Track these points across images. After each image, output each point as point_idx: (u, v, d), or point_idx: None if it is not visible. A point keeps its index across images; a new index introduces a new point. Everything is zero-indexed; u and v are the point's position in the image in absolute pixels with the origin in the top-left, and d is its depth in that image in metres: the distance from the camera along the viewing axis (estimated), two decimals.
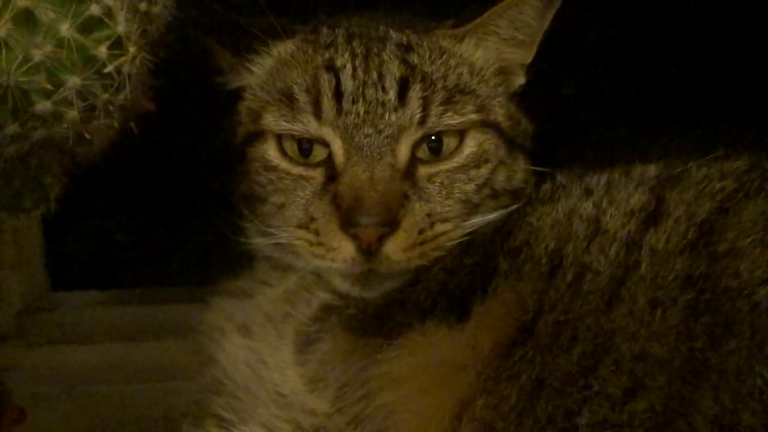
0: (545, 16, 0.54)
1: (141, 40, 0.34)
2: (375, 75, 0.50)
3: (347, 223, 0.48)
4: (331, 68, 0.51)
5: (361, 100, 0.50)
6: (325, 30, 0.54)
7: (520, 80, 0.57)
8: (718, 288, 0.38)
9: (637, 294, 0.40)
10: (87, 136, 0.38)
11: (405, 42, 0.52)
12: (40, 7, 0.30)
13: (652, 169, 0.51)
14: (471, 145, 0.52)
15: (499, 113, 0.54)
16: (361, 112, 0.50)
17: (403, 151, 0.51)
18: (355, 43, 0.52)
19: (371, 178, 0.49)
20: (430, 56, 0.52)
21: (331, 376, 0.50)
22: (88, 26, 0.32)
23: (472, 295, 0.48)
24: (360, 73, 0.50)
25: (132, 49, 0.34)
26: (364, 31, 0.54)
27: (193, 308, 0.64)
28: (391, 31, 0.54)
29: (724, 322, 0.36)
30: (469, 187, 0.52)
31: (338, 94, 0.50)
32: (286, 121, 0.51)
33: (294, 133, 0.51)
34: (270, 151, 0.52)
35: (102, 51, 0.32)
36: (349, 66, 0.51)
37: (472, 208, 0.52)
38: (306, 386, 0.50)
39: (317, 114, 0.50)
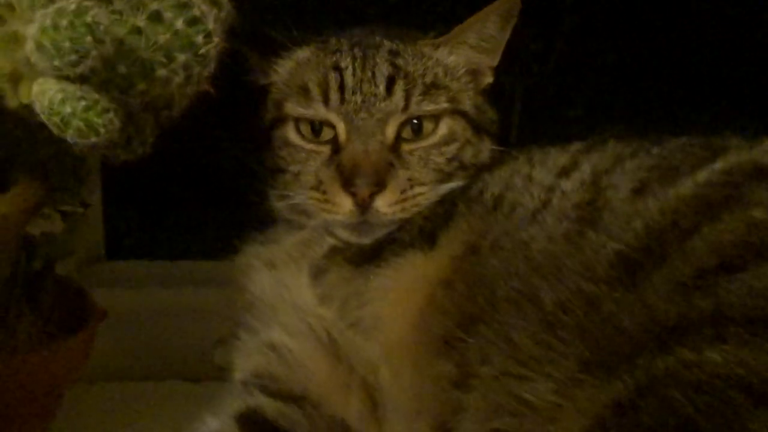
0: (505, 28, 0.69)
1: (221, 34, 0.51)
2: (369, 73, 0.65)
3: (347, 184, 0.63)
4: (337, 68, 0.66)
5: (358, 92, 0.65)
6: (333, 40, 0.70)
7: (488, 79, 0.72)
8: (596, 208, 0.53)
9: (547, 217, 0.55)
10: (178, 99, 0.55)
11: (394, 49, 0.68)
12: (164, 8, 0.47)
13: (582, 144, 0.66)
14: (443, 128, 0.67)
15: (467, 104, 0.69)
16: (359, 102, 0.65)
17: (390, 131, 0.65)
18: (356, 50, 0.68)
19: (366, 151, 0.64)
20: (413, 60, 0.68)
21: (336, 294, 0.65)
22: (192, 22, 0.49)
23: (439, 230, 0.63)
24: (358, 72, 0.66)
25: (216, 40, 0.51)
26: (363, 40, 0.69)
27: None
28: (385, 41, 0.69)
29: (593, 221, 0.52)
30: (441, 160, 0.67)
31: (342, 88, 0.65)
32: (302, 108, 0.66)
33: (308, 116, 0.66)
34: (290, 131, 0.68)
35: (200, 39, 0.49)
36: (350, 67, 0.66)
37: (444, 176, 0.67)
38: (317, 301, 0.65)
39: (326, 102, 0.65)
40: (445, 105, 0.67)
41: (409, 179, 0.65)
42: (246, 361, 0.67)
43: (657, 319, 0.39)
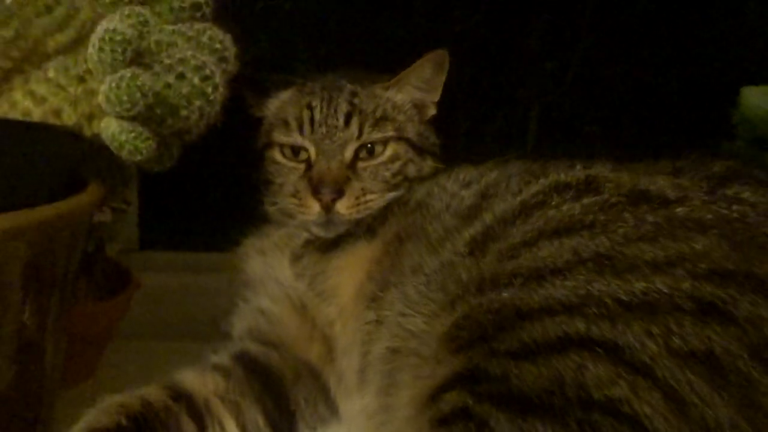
0: (439, 73, 0.87)
1: (226, 84, 0.74)
2: (333, 110, 0.83)
3: (315, 192, 0.80)
4: (309, 107, 0.84)
5: (324, 125, 0.83)
6: (308, 84, 0.88)
7: (431, 111, 0.90)
8: (478, 209, 0.69)
9: (446, 216, 0.72)
10: (195, 129, 0.77)
11: (353, 91, 0.86)
12: (186, 70, 0.70)
13: (492, 163, 0.80)
14: (390, 150, 0.84)
15: (411, 132, 0.86)
16: (324, 132, 0.83)
17: (348, 153, 0.83)
18: (324, 92, 0.86)
19: (329, 168, 0.81)
20: (367, 99, 0.85)
21: (307, 273, 0.81)
22: (204, 78, 0.70)
23: (379, 225, 0.80)
24: (324, 109, 0.84)
25: (221, 89, 0.72)
26: (331, 83, 0.87)
27: None
28: (348, 84, 0.87)
29: (470, 217, 0.69)
30: (388, 174, 0.83)
31: (312, 121, 0.83)
32: (284, 136, 0.84)
33: (288, 143, 0.84)
34: (276, 153, 0.86)
35: (210, 89, 0.69)
36: (318, 105, 0.84)
37: (390, 186, 0.83)
38: (294, 277, 0.82)
39: (301, 132, 0.83)
40: (391, 133, 0.85)
41: (363, 189, 0.82)
42: (241, 322, 0.84)
43: (482, 275, 0.56)
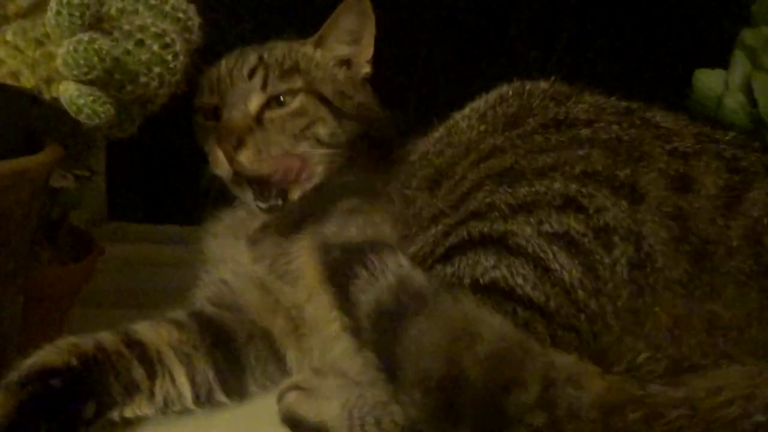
0: (364, 22, 0.83)
1: (187, 53, 0.75)
2: (240, 65, 0.84)
3: (218, 141, 0.80)
4: (218, 66, 0.85)
5: (229, 78, 0.83)
6: (237, 50, 0.88)
7: (363, 70, 0.87)
8: (442, 156, 0.75)
9: (419, 172, 0.75)
10: (155, 97, 0.78)
11: (267, 47, 0.86)
12: (145, 37, 0.71)
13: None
14: (296, 102, 0.82)
15: (327, 89, 0.83)
16: (229, 84, 0.83)
17: (253, 105, 0.82)
18: (238, 52, 0.86)
19: (230, 118, 0.81)
20: (280, 53, 0.84)
21: (267, 255, 0.80)
22: (165, 46, 0.71)
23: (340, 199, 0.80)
24: (231, 65, 0.84)
25: (181, 58, 0.72)
26: (252, 47, 0.87)
27: None
28: (268, 43, 0.86)
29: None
30: (294, 128, 0.81)
31: (218, 79, 0.84)
32: (200, 98, 0.86)
33: (204, 103, 0.85)
34: (199, 117, 0.86)
35: (170, 57, 0.71)
36: (226, 63, 0.85)
37: (298, 141, 0.81)
38: (253, 260, 0.81)
39: (211, 91, 0.84)
40: (299, 85, 0.83)
41: (266, 140, 0.80)
42: (202, 290, 0.84)
43: (437, 207, 0.67)
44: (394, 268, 0.55)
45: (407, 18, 1.18)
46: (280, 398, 0.70)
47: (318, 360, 0.75)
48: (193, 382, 0.72)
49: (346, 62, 0.87)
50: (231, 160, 0.80)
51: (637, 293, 0.54)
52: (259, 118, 0.83)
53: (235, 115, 0.82)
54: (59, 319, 0.90)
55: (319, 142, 0.84)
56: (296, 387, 0.70)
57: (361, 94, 0.88)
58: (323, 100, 0.85)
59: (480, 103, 0.77)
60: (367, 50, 0.86)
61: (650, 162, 0.60)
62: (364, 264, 0.56)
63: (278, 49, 0.87)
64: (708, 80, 0.95)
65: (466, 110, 0.79)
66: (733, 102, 0.92)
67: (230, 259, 0.84)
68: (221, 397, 0.74)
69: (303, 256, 0.80)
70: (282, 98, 0.83)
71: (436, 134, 0.81)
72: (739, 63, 0.94)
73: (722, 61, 0.99)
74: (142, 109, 0.78)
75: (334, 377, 0.70)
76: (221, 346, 0.76)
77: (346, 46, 0.86)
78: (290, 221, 0.82)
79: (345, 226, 0.77)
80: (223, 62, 0.87)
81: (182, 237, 1.15)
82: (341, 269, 0.58)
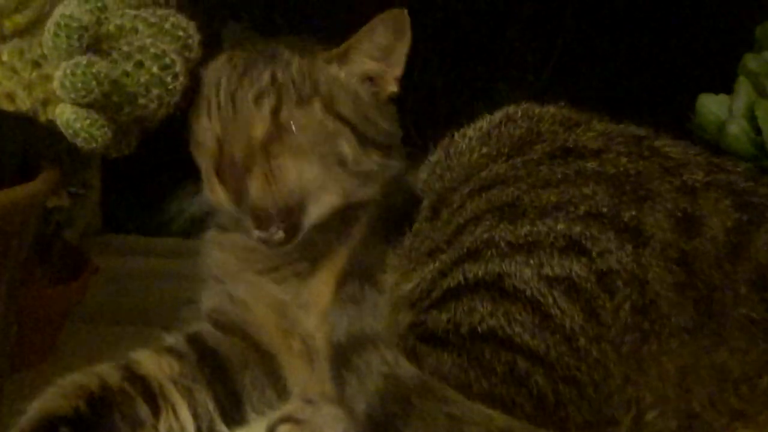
0: (399, 39, 0.73)
1: (187, 73, 0.73)
2: (246, 86, 0.72)
3: (220, 175, 0.72)
4: (218, 83, 0.74)
5: (230, 104, 0.72)
6: (237, 53, 0.77)
7: (391, 88, 0.76)
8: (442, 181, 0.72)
9: (453, 199, 0.67)
10: (153, 118, 0.76)
11: (278, 61, 0.73)
12: (145, 59, 0.69)
13: None
14: (313, 125, 0.72)
15: (348, 109, 0.73)
16: (231, 112, 0.72)
17: (259, 133, 0.71)
18: (241, 64, 0.75)
19: (233, 152, 0.71)
20: (297, 73, 0.73)
21: (290, 281, 0.76)
22: (164, 67, 0.69)
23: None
24: (234, 84, 0.73)
25: (181, 79, 0.71)
26: (257, 54, 0.76)
27: None
28: (281, 53, 0.74)
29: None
30: (312, 152, 0.71)
31: (218, 100, 0.74)
32: (196, 118, 0.76)
33: (200, 124, 0.76)
34: (195, 135, 0.77)
35: (169, 79, 0.69)
36: (226, 81, 0.74)
37: (316, 166, 0.71)
38: (274, 281, 0.77)
39: (209, 112, 0.75)
40: (318, 108, 0.72)
41: (278, 171, 0.71)
42: (208, 299, 0.80)
43: (434, 239, 0.64)
44: (381, 368, 0.56)
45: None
46: (271, 430, 0.69)
47: (317, 388, 0.74)
48: (195, 416, 0.71)
49: (371, 79, 0.77)
50: (235, 195, 0.71)
51: (641, 340, 0.53)
52: (267, 147, 0.72)
53: (238, 148, 0.72)
54: (49, 342, 0.89)
55: (341, 164, 0.74)
56: (288, 418, 0.69)
57: (387, 120, 0.78)
58: (344, 120, 0.74)
59: (483, 123, 0.75)
60: (398, 68, 0.77)
61: (657, 201, 0.58)
62: (355, 368, 0.57)
63: (295, 66, 0.74)
64: (711, 105, 0.95)
65: (468, 130, 0.75)
66: (737, 129, 0.91)
67: (243, 275, 0.79)
68: (222, 427, 0.73)
69: (319, 283, 0.76)
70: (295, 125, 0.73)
71: (434, 158, 0.77)
72: (743, 89, 0.94)
73: (724, 86, 0.98)
74: (140, 129, 0.77)
75: (329, 407, 0.68)
76: (220, 374, 0.75)
77: (375, 62, 0.76)
78: (305, 258, 0.77)
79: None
80: (224, 78, 0.74)
81: (176, 249, 1.17)
82: (336, 369, 0.59)
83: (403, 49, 0.75)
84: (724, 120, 0.92)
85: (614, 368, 0.53)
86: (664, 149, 0.65)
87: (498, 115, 0.75)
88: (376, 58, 0.75)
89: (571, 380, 0.53)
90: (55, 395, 0.66)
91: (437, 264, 0.61)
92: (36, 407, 0.64)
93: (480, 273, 0.57)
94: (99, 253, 1.03)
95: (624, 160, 0.63)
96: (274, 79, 0.73)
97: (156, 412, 0.71)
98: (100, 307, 1.00)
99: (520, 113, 0.73)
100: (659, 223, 0.57)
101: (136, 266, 1.14)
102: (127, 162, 0.94)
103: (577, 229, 0.57)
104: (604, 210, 0.58)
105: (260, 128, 0.73)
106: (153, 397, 0.71)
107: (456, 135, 0.77)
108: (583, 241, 0.57)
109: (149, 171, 1.18)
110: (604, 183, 0.60)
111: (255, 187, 0.71)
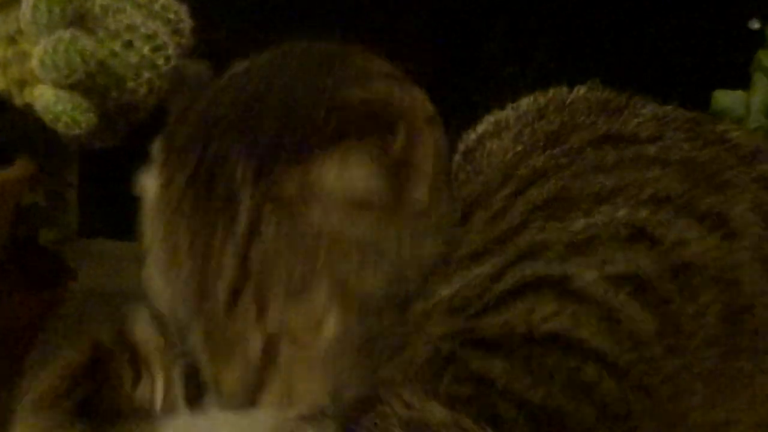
0: None
1: (178, 57, 0.68)
2: (208, 274, 0.46)
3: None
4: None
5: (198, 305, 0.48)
6: (177, 175, 0.49)
7: None
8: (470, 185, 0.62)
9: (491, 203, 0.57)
10: (143, 105, 0.70)
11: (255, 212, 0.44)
12: (135, 38, 0.63)
13: None
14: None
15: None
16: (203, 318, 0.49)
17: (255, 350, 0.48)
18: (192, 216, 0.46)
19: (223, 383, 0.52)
20: (283, 237, 0.45)
21: None
22: (155, 49, 0.64)
23: None
24: (187, 270, 0.46)
25: (173, 62, 0.66)
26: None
27: None
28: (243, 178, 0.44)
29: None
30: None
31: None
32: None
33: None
34: None
35: (161, 61, 0.63)
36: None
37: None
38: None
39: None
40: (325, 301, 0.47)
41: (291, 377, 0.49)
42: None
43: (478, 243, 0.54)
44: (402, 413, 0.45)
45: (377, 29, 1.11)
46: None
47: None
48: (166, 390, 0.65)
49: None
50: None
51: (733, 354, 0.46)
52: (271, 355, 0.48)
53: (230, 378, 0.49)
54: (22, 353, 0.81)
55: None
56: None
57: None
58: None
59: (509, 119, 0.67)
60: None
61: (736, 191, 0.50)
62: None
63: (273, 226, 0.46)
64: (727, 102, 0.91)
65: (488, 127, 0.68)
66: (756, 125, 0.88)
67: None
68: (183, 407, 0.66)
69: None
70: None
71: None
72: (760, 86, 0.91)
73: (738, 82, 0.95)
74: (126, 119, 0.71)
75: None
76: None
77: None
78: None
79: None
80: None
81: None
82: None
83: None
84: (743, 116, 0.89)
85: (695, 385, 0.46)
86: (728, 134, 0.57)
87: (524, 107, 0.68)
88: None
89: (643, 389, 0.46)
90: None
91: (487, 267, 0.53)
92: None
93: (542, 272, 0.49)
94: (76, 259, 0.94)
95: (687, 146, 0.54)
96: (245, 264, 0.45)
97: (138, 379, 0.64)
98: (75, 315, 0.92)
99: (551, 105, 0.66)
100: (745, 216, 0.49)
101: (115, 272, 1.06)
102: (104, 158, 0.87)
103: (643, 214, 0.49)
104: (677, 194, 0.50)
105: (255, 342, 0.48)
106: (137, 364, 0.64)
107: (471, 136, 0.69)
108: (651, 229, 0.48)
109: (130, 170, 1.13)
110: (670, 167, 0.52)
111: (270, 400, 0.51)
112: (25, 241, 0.81)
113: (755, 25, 1.03)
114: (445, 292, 0.53)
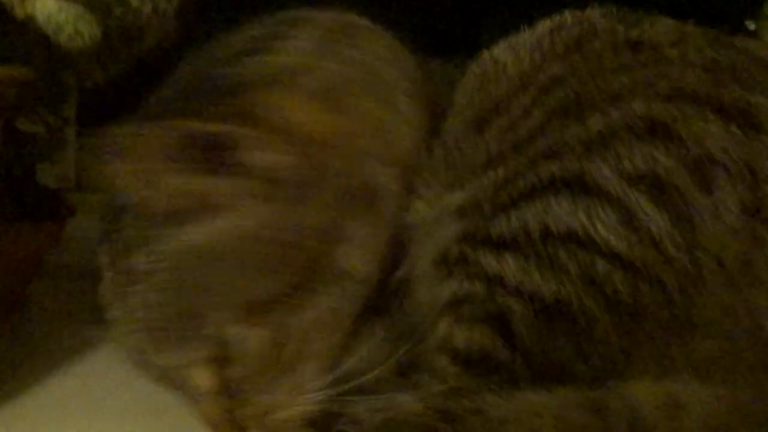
0: None
1: None
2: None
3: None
4: None
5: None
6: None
7: None
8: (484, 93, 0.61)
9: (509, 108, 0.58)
10: (147, 30, 0.69)
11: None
12: None
13: None
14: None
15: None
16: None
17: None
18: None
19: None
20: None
21: None
22: None
23: None
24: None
25: None
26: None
27: None
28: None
29: None
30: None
31: None
32: None
33: None
34: None
35: None
36: None
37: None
38: None
39: None
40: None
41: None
42: None
43: (493, 148, 0.55)
44: None
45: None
46: None
47: None
48: None
49: None
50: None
51: (753, 247, 0.45)
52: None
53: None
54: (21, 287, 0.80)
55: None
56: None
57: None
58: None
59: (527, 36, 0.65)
60: None
61: (759, 88, 0.49)
62: None
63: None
64: None
65: (505, 45, 0.66)
66: None
67: None
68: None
69: None
70: None
71: (465, 79, 0.67)
72: None
73: None
74: (128, 48, 0.70)
75: None
76: None
77: None
78: None
79: None
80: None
81: None
82: None
83: None
84: None
85: (712, 276, 0.45)
86: (751, 49, 0.56)
87: (544, 23, 0.65)
88: None
89: (655, 282, 0.46)
90: None
91: (501, 171, 0.53)
92: None
93: (557, 172, 0.49)
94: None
95: (709, 50, 0.53)
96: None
97: None
98: (75, 261, 0.89)
99: (570, 19, 0.63)
100: None
101: None
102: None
103: (662, 107, 0.48)
104: (697, 89, 0.49)
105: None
106: None
107: (486, 54, 0.67)
108: (670, 122, 0.48)
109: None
110: (691, 67, 0.51)
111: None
112: (23, 176, 0.80)
113: (751, 26, 1.02)
114: (455, 197, 0.54)
